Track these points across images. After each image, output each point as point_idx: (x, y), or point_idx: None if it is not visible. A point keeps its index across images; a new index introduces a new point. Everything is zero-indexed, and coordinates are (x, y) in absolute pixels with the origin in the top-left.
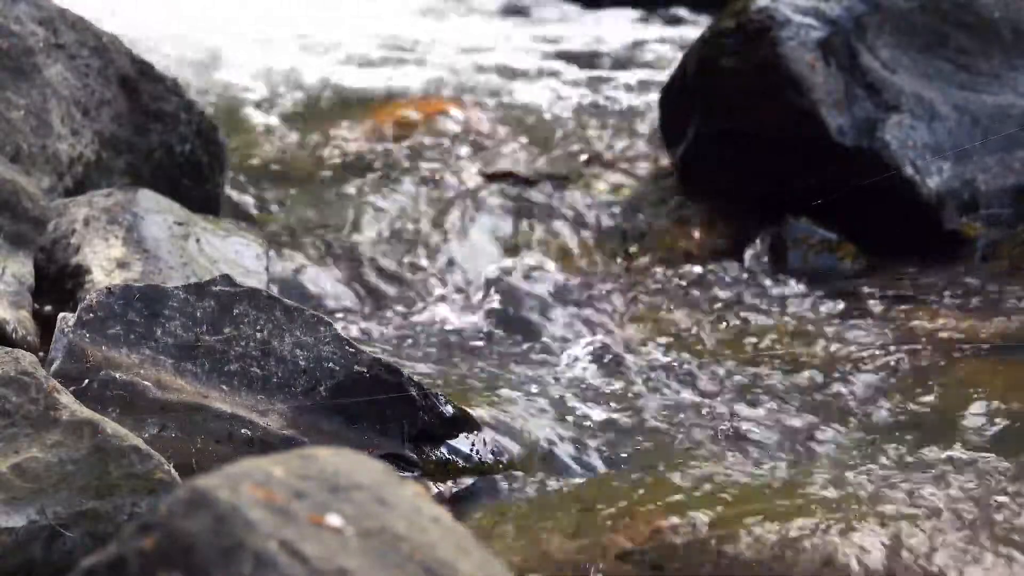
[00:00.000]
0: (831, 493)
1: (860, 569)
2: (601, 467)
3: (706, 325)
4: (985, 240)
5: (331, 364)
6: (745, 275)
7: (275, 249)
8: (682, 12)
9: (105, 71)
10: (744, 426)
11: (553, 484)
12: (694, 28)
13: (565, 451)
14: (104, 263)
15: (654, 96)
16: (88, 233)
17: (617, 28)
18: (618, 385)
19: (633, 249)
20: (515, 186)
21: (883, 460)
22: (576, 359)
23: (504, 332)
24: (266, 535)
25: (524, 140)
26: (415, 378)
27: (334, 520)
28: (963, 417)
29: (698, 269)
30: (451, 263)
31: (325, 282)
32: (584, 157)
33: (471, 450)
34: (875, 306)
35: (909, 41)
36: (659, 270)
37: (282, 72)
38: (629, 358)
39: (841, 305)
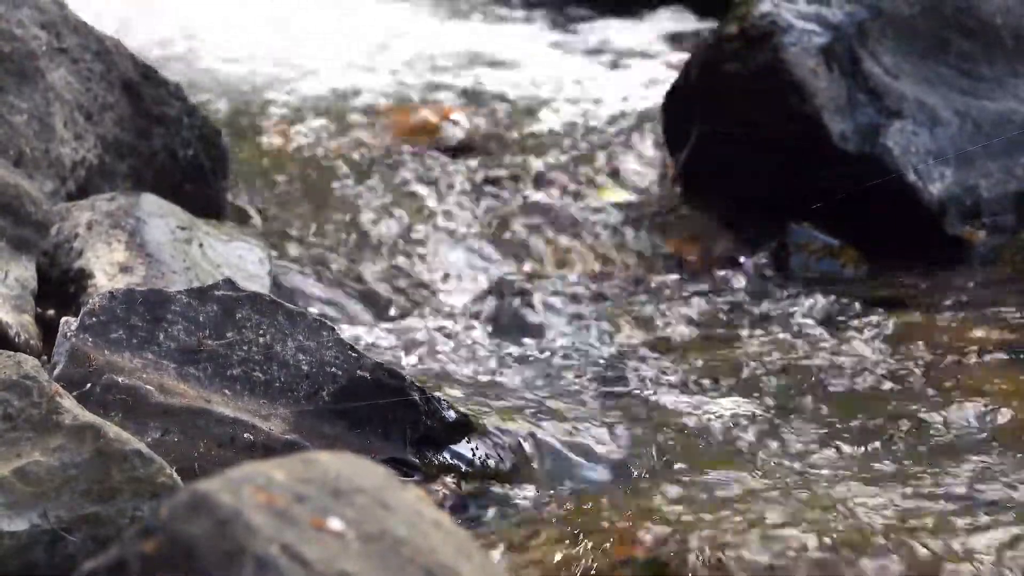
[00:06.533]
0: (833, 501)
1: None
2: (605, 473)
3: (708, 331)
4: (987, 246)
5: (334, 368)
6: (747, 280)
7: (278, 253)
8: (685, 16)
9: (108, 75)
10: (746, 433)
11: (556, 489)
12: (697, 32)
13: (568, 456)
14: (107, 267)
15: (657, 101)
16: (91, 237)
17: (620, 32)
18: (621, 391)
19: (635, 254)
20: (517, 190)
21: (884, 467)
22: (579, 364)
23: (507, 337)
24: (267, 539)
25: (526, 145)
26: (418, 383)
27: (335, 524)
28: (965, 424)
29: (699, 274)
30: (454, 267)
31: (328, 286)
32: (586, 162)
33: (473, 455)
34: (877, 312)
35: (911, 47)
36: (661, 275)
37: (284, 76)
38: (631, 364)
39: (843, 310)
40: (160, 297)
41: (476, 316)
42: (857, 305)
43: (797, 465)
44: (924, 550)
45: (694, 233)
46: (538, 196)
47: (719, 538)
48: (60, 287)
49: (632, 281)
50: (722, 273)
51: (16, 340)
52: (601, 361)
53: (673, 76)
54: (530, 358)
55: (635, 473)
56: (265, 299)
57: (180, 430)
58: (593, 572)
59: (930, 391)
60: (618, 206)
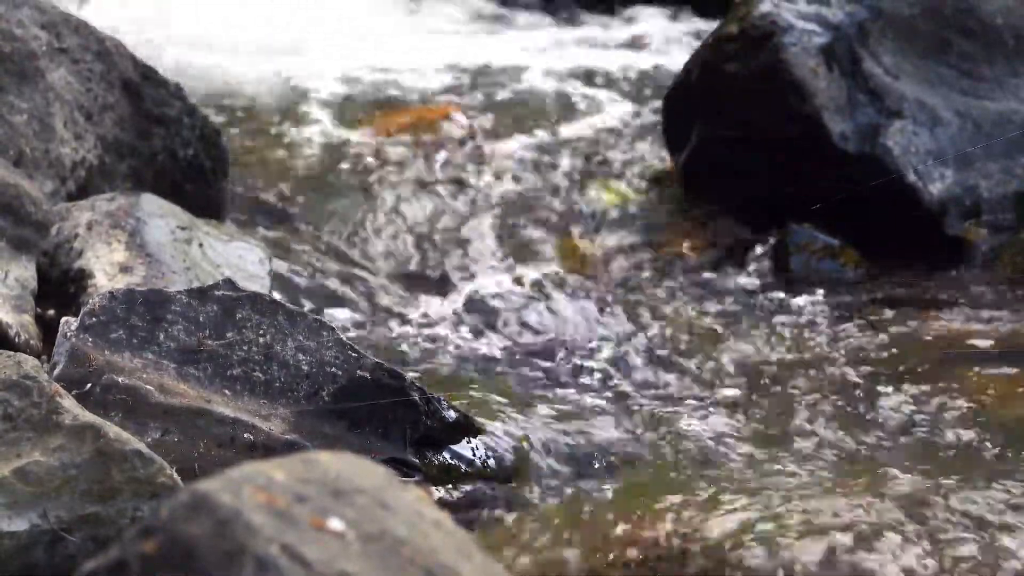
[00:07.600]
0: (832, 501)
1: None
2: (604, 473)
3: (708, 331)
4: (987, 246)
5: (334, 369)
6: (747, 281)
7: (278, 253)
8: (686, 16)
9: (108, 75)
10: (746, 432)
11: (555, 490)
12: (698, 32)
13: (568, 457)
14: (107, 267)
15: (657, 101)
16: (91, 237)
17: (621, 33)
18: (621, 391)
19: (635, 254)
20: (517, 191)
21: (882, 467)
22: (579, 365)
23: (507, 337)
24: (267, 539)
25: (527, 145)
26: (418, 383)
27: (336, 524)
28: (964, 424)
29: (700, 275)
30: (453, 267)
31: (328, 286)
32: (587, 162)
33: (473, 455)
34: (877, 312)
35: (911, 47)
36: (661, 276)
37: (285, 77)
38: (632, 364)
39: (843, 311)
40: (160, 297)
41: (476, 314)
42: (857, 305)
43: (796, 464)
44: (922, 549)
45: (693, 233)
46: (538, 195)
47: (719, 538)
48: (60, 287)
49: (632, 281)
50: (722, 273)
51: (16, 340)
52: (600, 361)
53: (673, 75)
54: (529, 357)
55: (635, 473)
56: (265, 299)
57: (180, 430)
58: (593, 572)
59: (930, 391)
60: (618, 206)
